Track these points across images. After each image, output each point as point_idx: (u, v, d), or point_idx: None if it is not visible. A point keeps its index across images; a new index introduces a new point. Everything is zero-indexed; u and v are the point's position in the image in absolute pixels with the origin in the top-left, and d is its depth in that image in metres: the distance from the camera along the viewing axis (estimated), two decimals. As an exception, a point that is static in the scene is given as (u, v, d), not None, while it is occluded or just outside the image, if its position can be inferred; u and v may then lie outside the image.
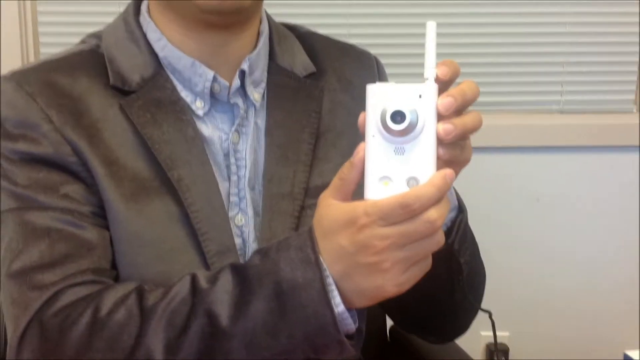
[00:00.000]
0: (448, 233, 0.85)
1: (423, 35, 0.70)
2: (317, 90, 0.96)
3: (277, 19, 0.99)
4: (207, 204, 0.87)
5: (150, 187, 0.86)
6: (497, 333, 0.90)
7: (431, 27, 0.70)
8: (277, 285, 0.74)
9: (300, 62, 0.97)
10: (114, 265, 0.86)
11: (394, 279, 0.71)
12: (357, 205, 0.70)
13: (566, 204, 1.81)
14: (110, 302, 0.79)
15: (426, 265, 0.72)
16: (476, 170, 1.70)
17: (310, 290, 0.73)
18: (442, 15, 1.71)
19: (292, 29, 1.02)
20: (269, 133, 0.92)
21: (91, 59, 0.91)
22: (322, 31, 1.04)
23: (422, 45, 0.69)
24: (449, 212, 0.84)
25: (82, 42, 0.95)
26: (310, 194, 0.91)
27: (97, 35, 0.94)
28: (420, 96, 0.68)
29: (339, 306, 0.73)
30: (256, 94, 0.93)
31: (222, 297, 0.76)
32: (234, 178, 0.90)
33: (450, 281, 0.89)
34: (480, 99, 1.83)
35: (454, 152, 0.72)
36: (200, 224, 0.86)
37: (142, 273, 0.85)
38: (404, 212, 0.68)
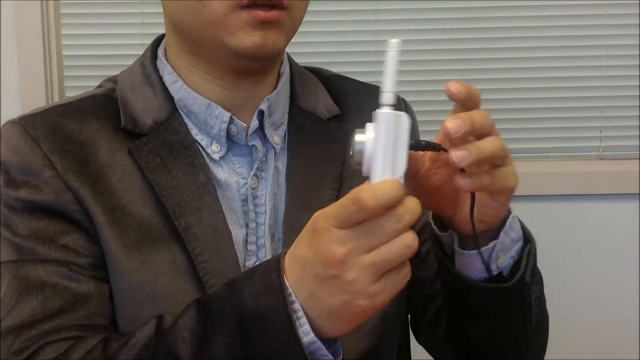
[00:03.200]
0: (516, 265, 0.79)
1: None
2: (341, 133, 0.92)
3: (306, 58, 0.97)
4: (217, 254, 0.83)
5: (156, 235, 0.82)
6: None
7: (394, 45, 0.65)
8: (239, 317, 0.68)
9: (323, 105, 0.94)
10: (114, 319, 0.83)
11: (362, 291, 0.64)
12: (320, 210, 0.65)
13: (610, 254, 1.73)
14: (77, 356, 0.75)
15: (403, 274, 0.65)
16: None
17: (273, 319, 0.66)
18: (479, 60, 1.69)
19: (316, 72, 1.00)
20: (290, 177, 0.88)
21: (103, 103, 0.89)
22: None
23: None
24: (514, 242, 0.79)
25: (99, 86, 0.93)
26: None
27: (113, 79, 0.93)
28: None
29: (307, 335, 0.66)
30: (276, 137, 0.90)
31: (184, 336, 0.71)
32: (252, 225, 0.86)
33: (521, 320, 0.82)
34: (517, 145, 1.81)
35: (480, 182, 0.68)
36: (208, 275, 0.82)
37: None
38: (359, 208, 0.62)
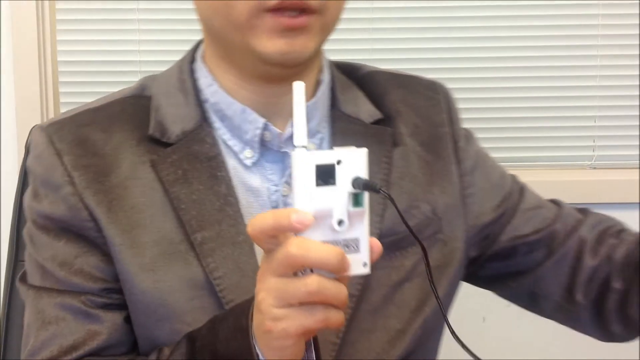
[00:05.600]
0: None
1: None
2: (386, 134, 0.91)
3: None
4: (235, 268, 0.82)
5: (175, 251, 0.82)
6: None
7: (299, 87, 0.65)
8: (215, 357, 0.71)
9: (365, 111, 0.93)
10: (133, 340, 0.86)
11: (267, 311, 0.64)
12: None
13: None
14: None
15: (316, 314, 0.64)
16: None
17: None
18: (472, 70, 1.70)
19: (351, 72, 0.97)
20: None
21: (131, 109, 0.89)
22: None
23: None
24: None
25: (139, 82, 0.93)
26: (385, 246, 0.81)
27: (153, 78, 0.92)
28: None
29: None
30: (311, 145, 0.88)
31: None
32: None
33: None
34: (511, 154, 1.81)
35: None
36: (225, 291, 0.81)
37: (161, 345, 0.82)
38: (274, 233, 0.64)
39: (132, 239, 0.82)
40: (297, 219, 0.62)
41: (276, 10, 0.77)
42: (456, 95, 1.67)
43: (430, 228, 0.91)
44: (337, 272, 0.63)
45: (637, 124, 1.72)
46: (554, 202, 1.05)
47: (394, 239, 0.86)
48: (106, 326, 0.84)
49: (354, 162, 0.64)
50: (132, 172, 0.84)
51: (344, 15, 1.63)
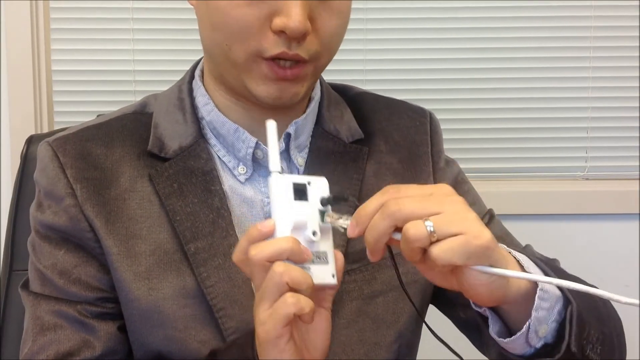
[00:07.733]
0: (561, 331, 0.75)
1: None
2: (362, 153, 0.95)
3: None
4: (226, 277, 0.86)
5: (169, 261, 0.86)
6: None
7: (271, 125, 0.72)
8: None
9: (347, 129, 0.96)
10: (124, 348, 0.89)
11: (258, 320, 0.68)
12: None
13: (593, 274, 1.73)
14: None
15: (283, 301, 0.67)
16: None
17: None
18: (465, 80, 1.70)
19: (343, 91, 1.02)
20: None
21: (131, 125, 0.93)
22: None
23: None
24: (552, 308, 0.75)
25: (142, 99, 0.97)
26: (351, 258, 0.88)
27: (155, 96, 0.97)
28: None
29: None
30: (300, 159, 0.93)
31: None
32: None
33: None
34: (503, 165, 1.82)
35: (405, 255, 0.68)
36: (216, 299, 0.85)
37: (154, 350, 0.85)
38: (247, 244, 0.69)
39: (129, 249, 0.86)
40: (261, 225, 0.68)
41: (272, 58, 0.81)
42: (449, 106, 1.69)
43: None
44: (296, 256, 0.67)
45: (629, 135, 1.73)
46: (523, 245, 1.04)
47: (362, 251, 0.87)
48: (100, 336, 0.87)
49: (319, 185, 0.72)
50: (130, 185, 0.88)
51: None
